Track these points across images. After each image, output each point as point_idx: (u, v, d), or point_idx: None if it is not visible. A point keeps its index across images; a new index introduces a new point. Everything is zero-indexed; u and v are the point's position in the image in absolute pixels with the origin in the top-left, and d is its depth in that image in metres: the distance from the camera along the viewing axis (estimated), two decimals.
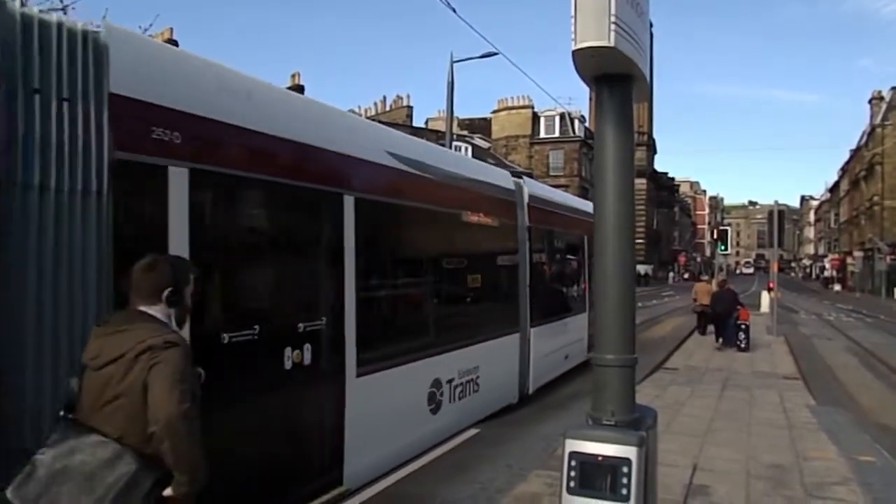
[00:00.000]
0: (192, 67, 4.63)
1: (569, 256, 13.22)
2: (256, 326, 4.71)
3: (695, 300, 19.74)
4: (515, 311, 9.75)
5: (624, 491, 2.90)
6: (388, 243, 7.07)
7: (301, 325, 5.21)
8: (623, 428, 3.06)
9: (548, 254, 11.80)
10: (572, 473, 3.01)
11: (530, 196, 10.27)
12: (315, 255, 5.69)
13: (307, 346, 5.20)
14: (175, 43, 24.79)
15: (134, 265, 2.96)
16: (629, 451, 2.94)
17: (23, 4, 3.67)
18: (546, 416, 9.28)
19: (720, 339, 17.47)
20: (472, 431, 8.18)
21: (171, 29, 25.06)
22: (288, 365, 5.01)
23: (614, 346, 3.15)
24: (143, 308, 2.85)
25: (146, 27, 16.58)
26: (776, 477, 6.61)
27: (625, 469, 2.92)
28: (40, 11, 3.76)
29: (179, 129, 4.17)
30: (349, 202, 5.79)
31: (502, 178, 9.92)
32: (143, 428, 2.57)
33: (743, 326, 17.07)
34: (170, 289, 2.89)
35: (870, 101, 67.83)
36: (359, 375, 5.80)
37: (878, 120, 63.13)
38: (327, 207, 5.67)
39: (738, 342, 17.00)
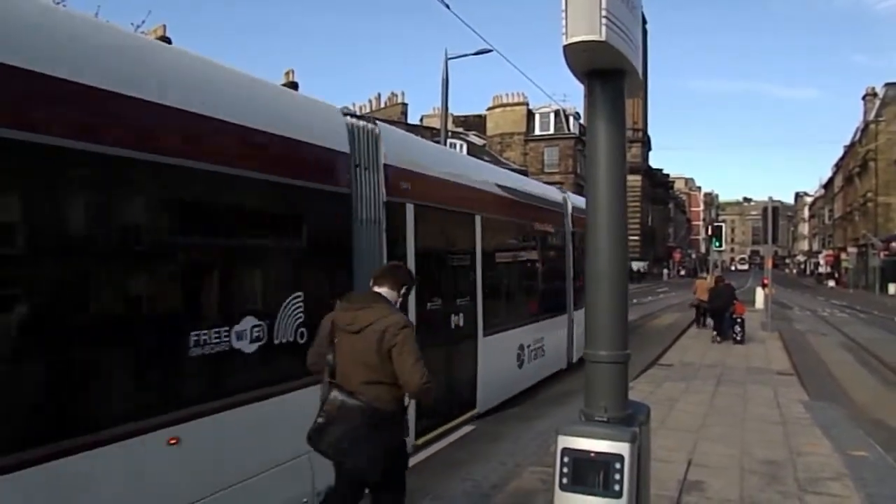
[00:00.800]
0: (419, 144, 8.66)
1: None
2: (439, 300, 7.74)
3: (695, 293, 21.40)
4: (564, 297, 12.70)
5: (616, 487, 2.89)
6: (495, 248, 9.66)
7: (459, 301, 8.30)
8: (616, 424, 3.06)
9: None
10: (565, 469, 3.00)
11: (573, 206, 12.94)
12: (461, 257, 8.59)
13: (461, 315, 8.27)
14: (168, 40, 24.68)
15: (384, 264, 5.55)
16: (622, 447, 2.94)
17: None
18: (540, 413, 9.29)
19: (717, 333, 18.14)
20: (468, 428, 8.18)
21: (164, 26, 24.94)
22: (452, 326, 8.08)
23: (607, 343, 3.15)
24: (380, 291, 4.12)
25: (138, 24, 16.58)
26: (770, 472, 6.62)
27: (617, 465, 2.91)
28: (352, 116, 6.24)
29: (410, 181, 6.97)
30: (478, 220, 8.82)
31: (555, 194, 12.99)
32: (379, 375, 3.81)
33: (739, 320, 17.81)
34: (406, 286, 4.27)
35: (863, 98, 67.99)
36: (485, 336, 8.78)
37: (871, 116, 63.28)
38: (467, 224, 8.68)
39: (735, 335, 17.66)
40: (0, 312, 3.35)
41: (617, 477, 2.90)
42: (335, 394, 3.82)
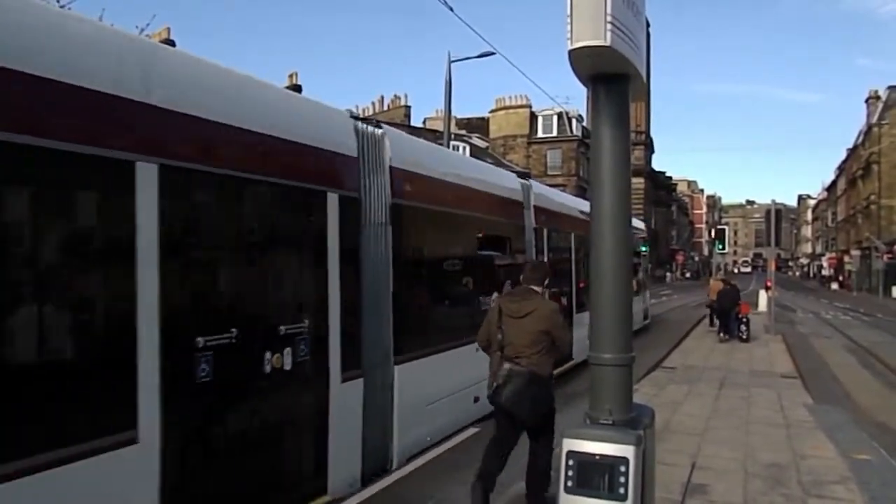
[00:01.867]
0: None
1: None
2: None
3: (709, 294, 22.18)
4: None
5: (621, 490, 2.91)
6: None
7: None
8: (620, 427, 3.07)
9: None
10: (570, 473, 3.01)
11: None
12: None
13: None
14: (172, 43, 24.59)
15: (525, 264, 6.80)
16: (626, 451, 2.95)
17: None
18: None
19: (723, 333, 19.06)
20: (471, 430, 8.18)
21: (168, 29, 25.00)
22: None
23: (611, 346, 3.16)
24: (532, 287, 5.57)
25: (143, 27, 16.62)
26: (774, 475, 6.62)
27: (622, 468, 2.92)
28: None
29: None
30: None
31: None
32: (538, 348, 5.23)
33: (744, 319, 18.82)
34: (547, 279, 5.83)
35: (867, 101, 67.94)
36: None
37: (874, 119, 63.23)
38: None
39: (740, 333, 18.65)
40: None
41: (622, 480, 2.91)
42: (506, 364, 5.22)
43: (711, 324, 21.82)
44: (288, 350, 5.14)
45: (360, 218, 6.23)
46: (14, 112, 3.38)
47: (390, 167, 6.74)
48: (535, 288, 5.57)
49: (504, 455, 5.40)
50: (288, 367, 5.13)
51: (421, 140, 9.60)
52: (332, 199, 5.79)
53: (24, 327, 3.47)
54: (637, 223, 23.45)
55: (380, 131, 6.80)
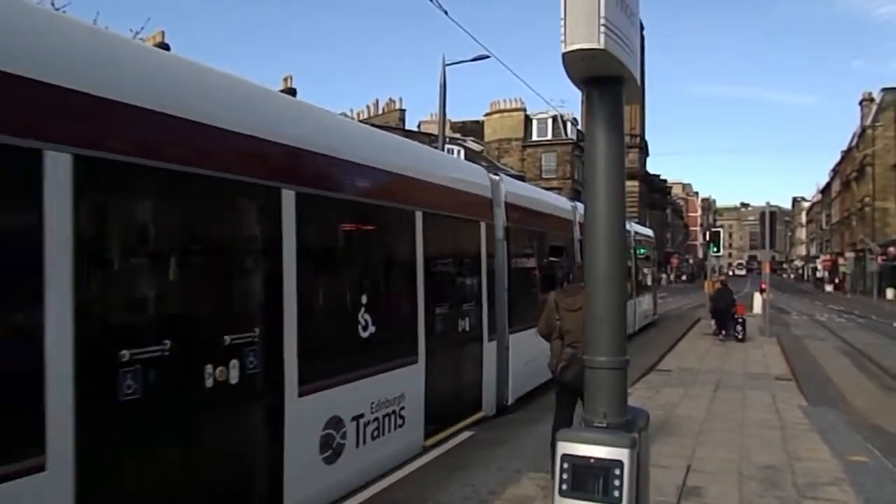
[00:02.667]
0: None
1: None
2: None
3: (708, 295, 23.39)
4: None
5: (616, 493, 2.90)
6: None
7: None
8: (615, 430, 3.06)
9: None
10: (565, 476, 3.00)
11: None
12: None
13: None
14: (167, 47, 24.70)
15: (576, 265, 8.83)
16: (621, 453, 2.94)
17: None
18: (539, 419, 9.26)
19: (722, 332, 19.95)
20: (466, 434, 8.17)
21: (163, 32, 24.98)
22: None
23: (606, 348, 3.15)
24: (582, 284, 5.55)
25: (137, 30, 16.60)
26: (769, 477, 6.63)
27: (617, 471, 2.92)
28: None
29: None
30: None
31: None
32: None
33: (740, 320, 19.75)
34: None
35: (860, 103, 68.22)
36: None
37: (868, 121, 63.52)
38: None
39: (736, 333, 19.49)
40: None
41: (616, 483, 2.90)
42: (567, 349, 6.18)
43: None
44: (466, 319, 8.70)
45: (493, 236, 9.49)
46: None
47: (504, 202, 9.85)
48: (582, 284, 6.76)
49: (570, 419, 6.31)
50: (467, 328, 8.74)
51: (516, 181, 12.92)
52: (484, 227, 9.18)
53: None
54: (646, 231, 26.86)
55: (498, 178, 10.17)
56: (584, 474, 2.96)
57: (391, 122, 39.63)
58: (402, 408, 6.83)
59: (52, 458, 3.38)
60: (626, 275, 3.46)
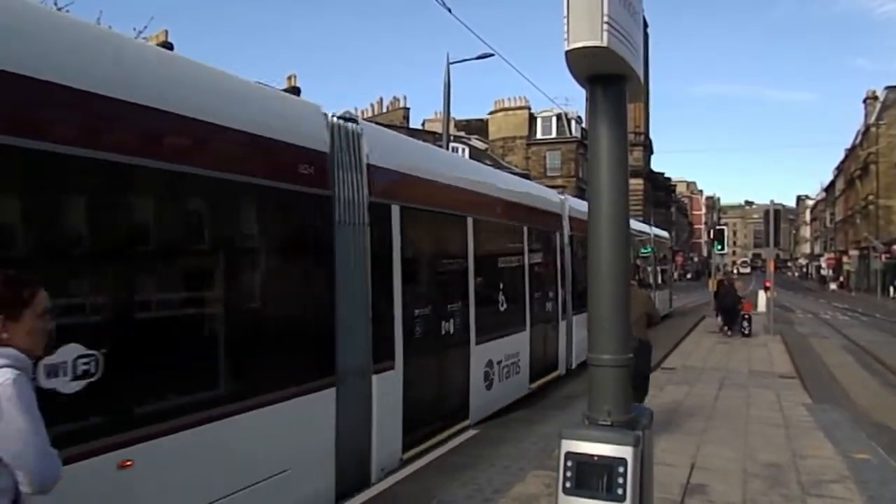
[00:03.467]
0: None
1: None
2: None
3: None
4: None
5: (620, 491, 2.90)
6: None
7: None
8: (619, 428, 3.06)
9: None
10: (568, 474, 3.00)
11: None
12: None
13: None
14: (170, 46, 24.71)
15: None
16: (625, 451, 2.94)
17: None
18: (543, 417, 9.28)
19: (727, 328, 20.65)
20: (471, 432, 8.18)
21: (166, 31, 25.01)
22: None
23: (610, 347, 3.15)
24: (631, 281, 6.92)
25: (140, 30, 16.63)
26: (773, 475, 6.62)
27: (620, 469, 2.92)
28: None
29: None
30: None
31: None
32: (642, 322, 8.15)
33: (746, 316, 20.55)
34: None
35: (864, 101, 68.02)
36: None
37: (872, 119, 63.32)
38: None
39: (743, 329, 20.21)
40: None
41: (620, 481, 2.90)
42: None
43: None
44: (548, 304, 11.83)
45: (563, 242, 12.58)
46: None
47: (569, 216, 12.79)
48: (632, 282, 8.82)
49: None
50: (549, 310, 11.91)
51: (575, 198, 14.21)
52: (558, 235, 12.40)
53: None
54: (664, 233, 30.14)
55: (563, 197, 13.15)
56: (588, 472, 2.96)
57: (395, 120, 39.61)
58: (519, 360, 10.03)
59: (396, 363, 6.61)
60: (629, 273, 3.46)
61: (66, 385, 3.46)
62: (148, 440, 3.86)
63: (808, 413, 9.62)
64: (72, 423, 3.45)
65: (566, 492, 3.00)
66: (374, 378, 6.17)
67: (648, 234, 24.49)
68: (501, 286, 9.61)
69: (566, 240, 12.74)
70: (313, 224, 5.62)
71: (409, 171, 7.20)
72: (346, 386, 5.68)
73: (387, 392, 6.38)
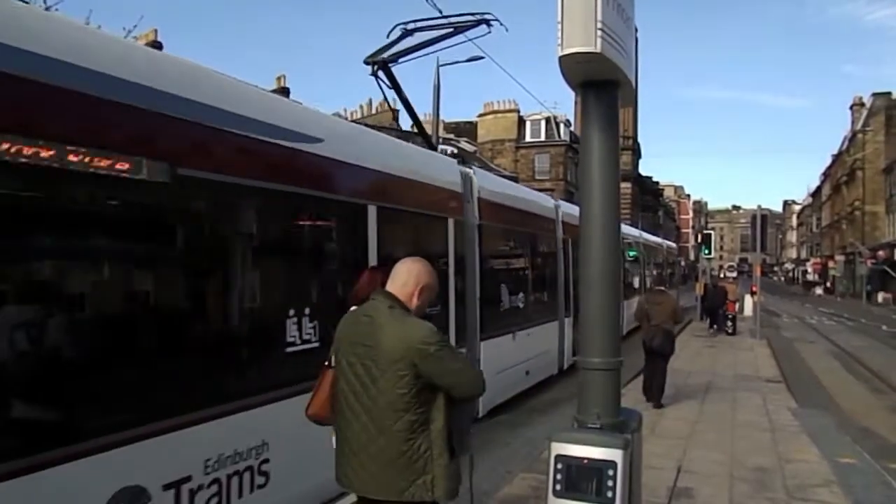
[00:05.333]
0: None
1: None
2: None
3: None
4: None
5: (609, 493, 2.91)
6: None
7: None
8: (608, 431, 3.08)
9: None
10: (558, 476, 3.02)
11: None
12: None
13: None
14: (159, 45, 24.57)
15: (658, 275, 26.74)
16: (615, 454, 2.96)
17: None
18: (532, 420, 9.30)
19: (714, 327, 22.35)
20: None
21: (156, 30, 24.88)
22: None
23: (600, 349, 3.17)
24: (661, 288, 13.43)
25: (130, 28, 16.54)
26: (759, 479, 6.66)
27: (610, 472, 2.93)
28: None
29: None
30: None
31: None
32: (670, 319, 10.55)
33: (730, 316, 22.08)
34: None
35: (851, 108, 68.62)
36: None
37: (859, 126, 63.92)
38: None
39: (727, 328, 21.78)
40: None
41: (610, 484, 2.92)
42: (653, 327, 10.28)
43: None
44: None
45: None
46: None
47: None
48: (662, 288, 13.11)
49: (655, 375, 10.38)
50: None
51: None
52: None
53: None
54: (673, 245, 32.58)
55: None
56: (578, 475, 2.98)
57: (384, 122, 39.44)
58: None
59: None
60: (620, 277, 3.48)
61: None
62: None
63: (794, 417, 9.69)
64: None
65: (556, 494, 3.01)
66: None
67: (661, 245, 30.91)
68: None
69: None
70: (457, 238, 8.29)
71: (497, 200, 9.81)
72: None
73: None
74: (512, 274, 11.00)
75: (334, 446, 3.22)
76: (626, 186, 63.04)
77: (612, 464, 2.94)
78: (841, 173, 70.96)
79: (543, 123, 56.69)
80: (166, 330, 4.17)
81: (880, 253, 53.43)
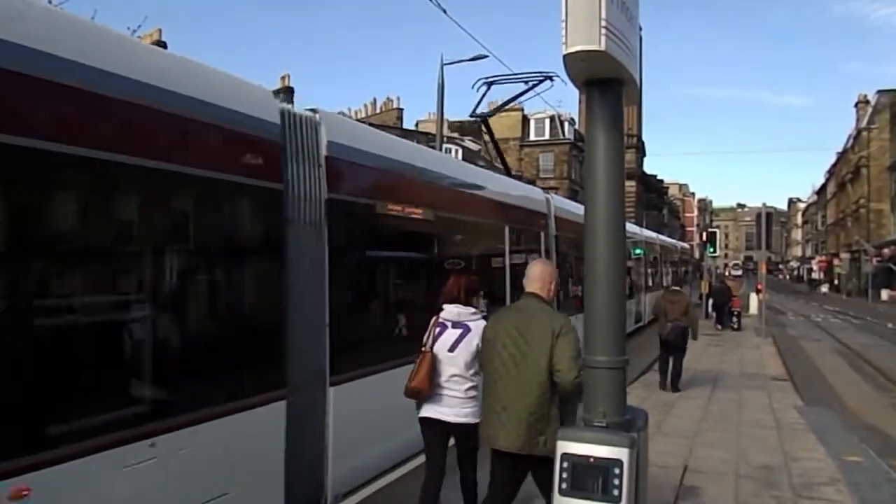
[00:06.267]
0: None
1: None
2: None
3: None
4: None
5: (615, 492, 2.92)
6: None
7: None
8: (614, 429, 3.08)
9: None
10: (564, 475, 3.02)
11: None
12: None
13: None
14: (164, 45, 24.55)
15: (675, 275, 31.37)
16: (621, 453, 2.96)
17: None
18: None
19: (719, 323, 23.11)
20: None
21: (160, 30, 24.93)
22: None
23: (605, 348, 3.16)
24: (676, 287, 14.99)
25: (134, 28, 16.58)
26: (765, 477, 6.66)
27: (616, 470, 2.93)
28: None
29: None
30: None
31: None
32: (685, 317, 11.67)
33: (735, 312, 23.20)
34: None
35: (856, 105, 68.38)
36: None
37: (864, 123, 63.70)
38: None
39: (732, 324, 22.78)
40: None
41: (616, 482, 2.92)
42: (669, 323, 11.46)
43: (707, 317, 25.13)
44: None
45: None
46: None
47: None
48: (678, 288, 14.04)
49: (667, 365, 11.64)
50: None
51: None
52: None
53: None
54: (684, 245, 38.61)
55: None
56: (584, 473, 2.98)
57: (389, 121, 39.58)
58: None
59: None
60: (625, 275, 3.49)
61: None
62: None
63: (800, 415, 9.67)
64: None
65: (562, 493, 3.01)
66: None
67: (675, 246, 33.82)
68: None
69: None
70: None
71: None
72: None
73: None
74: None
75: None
76: (631, 185, 62.96)
77: (619, 462, 2.94)
78: (846, 171, 70.73)
79: (548, 122, 56.62)
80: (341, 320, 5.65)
81: (885, 251, 53.24)
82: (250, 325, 4.87)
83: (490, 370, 4.21)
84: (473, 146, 50.35)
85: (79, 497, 3.50)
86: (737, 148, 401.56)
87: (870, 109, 63.58)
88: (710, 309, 25.03)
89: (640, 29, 3.56)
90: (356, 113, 43.35)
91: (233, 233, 4.88)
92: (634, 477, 2.96)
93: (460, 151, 40.66)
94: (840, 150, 77.06)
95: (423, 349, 4.75)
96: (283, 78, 30.67)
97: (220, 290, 4.78)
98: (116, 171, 3.84)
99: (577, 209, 14.16)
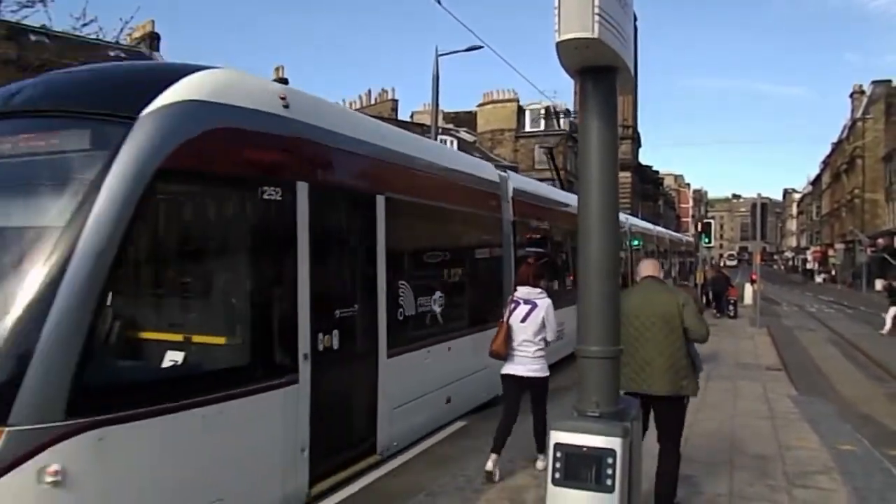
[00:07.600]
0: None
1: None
2: None
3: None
4: None
5: (609, 482, 2.92)
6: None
7: None
8: (607, 419, 3.08)
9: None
10: (558, 465, 3.02)
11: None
12: None
13: None
14: (157, 36, 24.40)
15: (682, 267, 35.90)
16: (614, 442, 2.96)
17: None
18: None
19: (717, 311, 23.87)
20: (459, 424, 8.19)
21: (153, 22, 24.80)
22: None
23: (598, 338, 3.16)
24: (685, 283, 24.81)
25: (127, 20, 16.46)
26: (759, 466, 6.67)
27: (609, 460, 2.94)
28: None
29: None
30: None
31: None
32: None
33: (732, 301, 24.24)
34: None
35: (851, 96, 68.43)
36: None
37: (859, 114, 63.78)
38: None
39: (729, 312, 23.73)
40: None
41: (609, 471, 2.92)
42: None
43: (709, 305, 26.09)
44: None
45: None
46: None
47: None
48: (686, 283, 23.57)
49: None
50: None
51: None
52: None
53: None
54: (688, 238, 42.22)
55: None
56: (577, 463, 2.98)
57: (384, 112, 39.50)
58: None
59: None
60: (618, 265, 3.47)
61: None
62: None
63: (794, 405, 9.70)
64: None
65: (556, 482, 3.02)
66: None
67: (681, 239, 37.33)
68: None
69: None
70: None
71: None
72: None
73: None
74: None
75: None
76: (625, 175, 62.94)
77: (612, 452, 2.94)
78: (841, 161, 70.86)
79: (543, 113, 56.51)
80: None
81: (880, 241, 53.40)
82: (490, 292, 9.42)
83: (626, 336, 4.70)
84: (468, 137, 50.31)
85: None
86: (732, 138, 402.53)
87: (865, 100, 63.64)
88: (710, 297, 25.37)
89: (636, 18, 3.54)
90: (351, 104, 43.24)
91: (487, 241, 9.57)
92: (628, 466, 2.97)
93: (455, 143, 40.55)
94: (835, 140, 77.20)
95: (501, 321, 6.26)
96: (277, 69, 30.55)
97: (488, 270, 9.61)
98: (443, 212, 8.24)
99: (545, 191, 13.56)
